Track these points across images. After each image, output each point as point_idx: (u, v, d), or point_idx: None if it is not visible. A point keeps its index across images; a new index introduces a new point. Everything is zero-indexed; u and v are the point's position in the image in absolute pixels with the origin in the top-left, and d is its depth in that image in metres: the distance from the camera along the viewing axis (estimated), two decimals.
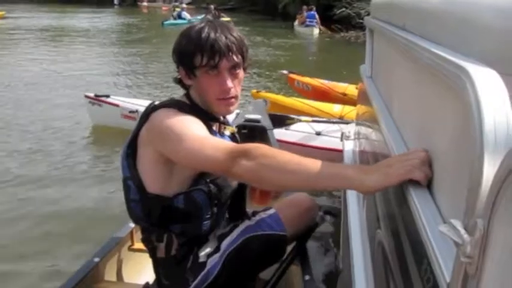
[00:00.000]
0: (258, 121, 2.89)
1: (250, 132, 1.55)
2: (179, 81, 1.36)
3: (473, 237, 0.48)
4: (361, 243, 1.44)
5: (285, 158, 0.96)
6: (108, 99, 4.87)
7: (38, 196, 3.50)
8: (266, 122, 2.98)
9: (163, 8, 28.87)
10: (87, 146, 4.78)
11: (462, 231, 0.50)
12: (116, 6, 33.93)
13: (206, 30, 1.25)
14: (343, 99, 5.55)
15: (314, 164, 0.91)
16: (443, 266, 0.57)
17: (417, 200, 0.73)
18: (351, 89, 5.85)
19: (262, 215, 1.50)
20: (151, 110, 1.28)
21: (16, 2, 29.84)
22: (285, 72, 6.63)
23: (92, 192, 3.61)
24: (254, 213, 1.52)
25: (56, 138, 4.86)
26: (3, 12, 20.83)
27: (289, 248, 1.59)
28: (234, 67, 1.28)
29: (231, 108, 1.33)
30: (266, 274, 1.56)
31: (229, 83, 1.27)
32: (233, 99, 1.30)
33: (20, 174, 3.91)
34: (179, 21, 18.65)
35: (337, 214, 1.77)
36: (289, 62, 10.90)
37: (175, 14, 20.19)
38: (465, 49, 0.67)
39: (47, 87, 7.26)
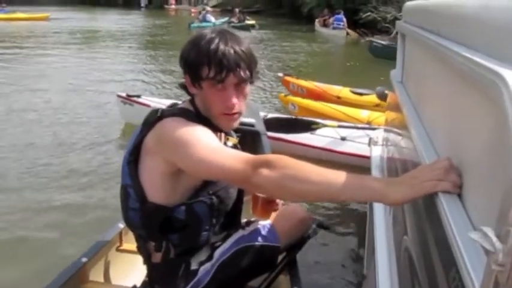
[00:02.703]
0: (252, 125, 2.86)
1: (243, 136, 1.54)
2: (185, 87, 1.33)
3: (505, 245, 0.47)
4: (387, 250, 1.43)
5: (308, 169, 0.96)
6: (140, 99, 4.99)
7: (66, 188, 3.63)
8: (260, 127, 2.95)
9: (192, 11, 29.26)
10: (118, 143, 4.92)
11: (494, 238, 0.50)
12: (142, 9, 34.66)
13: (216, 41, 1.21)
14: (337, 102, 5.58)
15: (338, 176, 0.91)
16: (473, 273, 0.56)
17: (447, 206, 0.73)
18: (345, 92, 5.90)
19: (257, 225, 1.48)
20: (157, 118, 1.25)
21: (44, 4, 31.03)
22: (280, 74, 6.66)
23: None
24: (248, 223, 1.50)
25: (88, 134, 5.06)
26: (48, 14, 21.69)
27: (279, 258, 1.58)
28: (241, 83, 1.24)
29: (233, 124, 1.30)
30: (254, 283, 1.55)
31: (234, 99, 1.24)
32: (236, 115, 1.28)
33: (52, 165, 4.08)
34: (205, 23, 19.03)
35: (329, 227, 1.75)
36: (317, 65, 10.88)
37: (200, 16, 20.54)
38: (502, 55, 0.66)
39: (80, 86, 7.49)
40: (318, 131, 4.24)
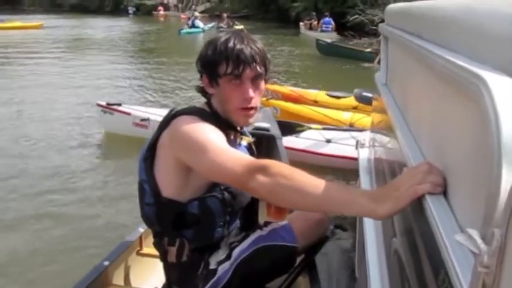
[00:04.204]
0: (267, 129, 2.87)
1: (259, 140, 1.58)
2: (201, 90, 1.38)
3: (490, 247, 0.48)
4: (377, 252, 1.43)
5: (301, 179, 0.97)
6: (120, 108, 4.95)
7: (46, 201, 3.58)
8: (275, 131, 2.97)
9: (182, 16, 29.35)
10: (98, 153, 4.89)
11: (479, 240, 0.50)
12: (130, 16, 34.79)
13: (233, 40, 1.29)
14: (315, 106, 5.53)
15: (329, 189, 0.93)
16: (461, 275, 0.57)
17: (434, 208, 0.73)
18: (322, 96, 5.85)
19: (275, 225, 1.51)
20: (172, 116, 1.30)
21: (33, 13, 31.11)
22: None
23: (100, 199, 3.68)
24: (266, 224, 1.53)
25: (67, 145, 4.99)
26: (42, 22, 22.01)
27: (298, 260, 1.59)
28: (257, 77, 1.30)
29: (250, 119, 1.34)
30: (273, 284, 1.56)
31: (251, 93, 1.29)
32: (253, 110, 1.32)
33: (30, 177, 4.04)
34: (193, 29, 19.26)
35: (347, 229, 1.77)
36: (309, 68, 10.88)
37: (189, 22, 20.72)
38: (482, 57, 0.67)
39: (63, 95, 7.46)
40: (303, 134, 4.25)
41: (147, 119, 4.66)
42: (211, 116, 1.31)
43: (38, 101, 6.98)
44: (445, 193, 0.77)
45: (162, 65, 10.91)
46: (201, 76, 1.36)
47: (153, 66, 10.88)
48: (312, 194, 0.94)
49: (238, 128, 1.42)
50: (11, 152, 4.69)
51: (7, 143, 5.01)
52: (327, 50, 12.87)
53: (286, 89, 6.17)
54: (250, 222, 1.53)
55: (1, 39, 16.36)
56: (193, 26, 20.25)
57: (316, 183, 0.95)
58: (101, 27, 22.21)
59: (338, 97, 5.72)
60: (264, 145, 2.61)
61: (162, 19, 32.30)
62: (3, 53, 12.72)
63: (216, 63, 1.28)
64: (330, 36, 17.09)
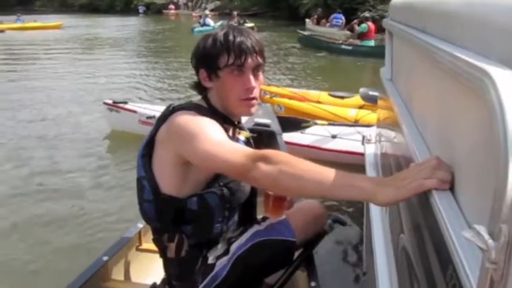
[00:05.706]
0: (267, 125, 2.87)
1: (259, 136, 1.59)
2: (197, 86, 1.38)
3: (498, 243, 0.48)
4: (385, 248, 1.43)
5: (303, 166, 0.97)
6: (126, 106, 4.97)
7: (54, 199, 3.60)
8: (275, 127, 2.96)
9: (194, 15, 29.44)
10: (105, 151, 4.91)
11: (486, 236, 0.50)
12: (141, 15, 34.93)
13: (232, 33, 1.30)
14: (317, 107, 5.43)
15: (331, 174, 0.92)
16: (469, 271, 0.56)
17: (441, 204, 0.73)
18: (324, 96, 5.67)
19: (272, 220, 1.51)
20: (170, 112, 1.31)
21: (45, 13, 31.56)
22: None
23: (108, 196, 3.70)
24: (264, 218, 1.54)
25: (74, 143, 5.02)
26: (61, 22, 22.58)
27: (296, 254, 1.59)
28: (257, 67, 1.32)
29: (252, 109, 1.35)
30: (272, 278, 1.57)
31: (253, 82, 1.30)
32: (254, 100, 1.33)
33: (38, 176, 4.07)
34: (205, 27, 19.47)
35: (345, 223, 1.77)
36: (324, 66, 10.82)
37: (201, 21, 20.92)
38: (487, 52, 0.67)
39: (72, 94, 7.51)
40: (308, 130, 4.24)
41: (153, 117, 4.68)
42: (208, 110, 1.32)
43: (45, 100, 7.05)
44: (452, 189, 0.77)
45: (181, 63, 10.83)
46: (197, 71, 1.35)
47: (173, 64, 10.80)
48: (315, 181, 0.94)
49: (236, 123, 1.42)
50: (13, 148, 4.74)
51: (13, 137, 5.08)
52: (306, 42, 13.57)
53: (286, 90, 5.99)
54: (248, 218, 1.53)
55: (26, 38, 17.01)
56: (204, 24, 20.41)
57: (318, 170, 0.95)
58: (115, 27, 22.46)
59: (342, 97, 5.60)
60: (264, 141, 2.61)
61: (173, 18, 32.33)
62: (31, 50, 13.25)
63: (216, 56, 1.29)
64: (340, 32, 17.02)
